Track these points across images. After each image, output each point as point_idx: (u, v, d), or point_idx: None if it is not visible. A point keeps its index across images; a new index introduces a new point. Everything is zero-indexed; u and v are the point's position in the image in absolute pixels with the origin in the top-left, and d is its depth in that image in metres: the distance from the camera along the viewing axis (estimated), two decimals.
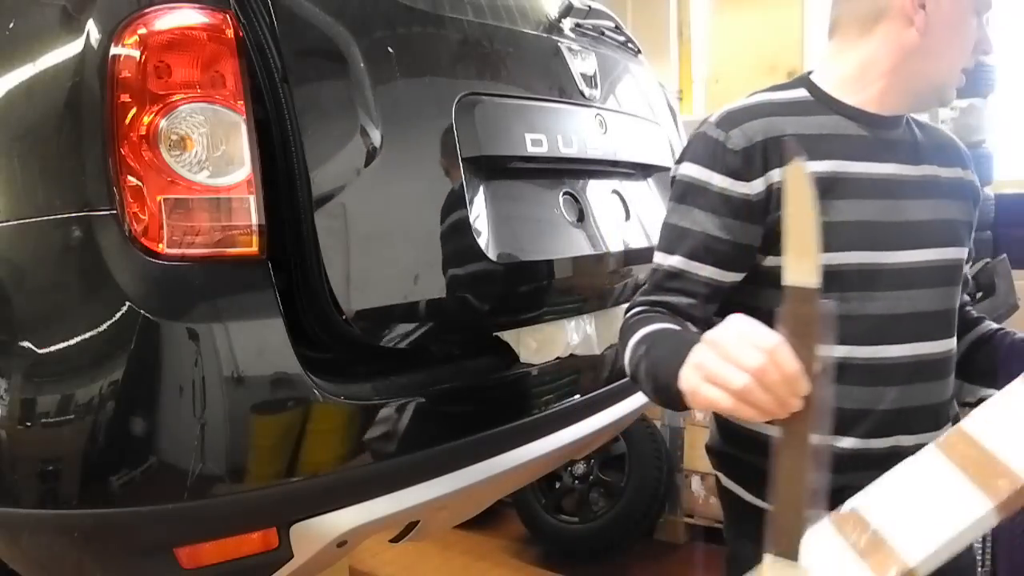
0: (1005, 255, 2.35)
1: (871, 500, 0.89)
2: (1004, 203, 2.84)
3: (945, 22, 1.10)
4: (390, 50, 1.29)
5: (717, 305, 1.14)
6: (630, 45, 2.03)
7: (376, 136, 1.23)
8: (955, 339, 1.18)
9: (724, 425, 1.25)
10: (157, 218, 1.08)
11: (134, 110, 1.07)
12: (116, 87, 1.07)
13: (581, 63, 1.67)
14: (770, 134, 1.10)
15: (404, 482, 1.29)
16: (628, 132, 1.80)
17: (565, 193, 1.59)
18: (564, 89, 1.62)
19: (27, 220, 1.16)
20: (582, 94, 1.65)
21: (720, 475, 1.28)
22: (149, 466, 1.10)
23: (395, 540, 1.61)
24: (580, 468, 3.13)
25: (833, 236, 1.06)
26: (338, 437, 1.23)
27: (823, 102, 1.15)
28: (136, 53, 1.08)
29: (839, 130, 1.12)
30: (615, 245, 1.65)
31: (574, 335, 1.59)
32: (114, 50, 1.08)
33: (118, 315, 1.08)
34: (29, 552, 1.24)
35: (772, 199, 1.09)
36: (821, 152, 1.10)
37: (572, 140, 1.57)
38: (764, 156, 1.09)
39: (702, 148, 1.15)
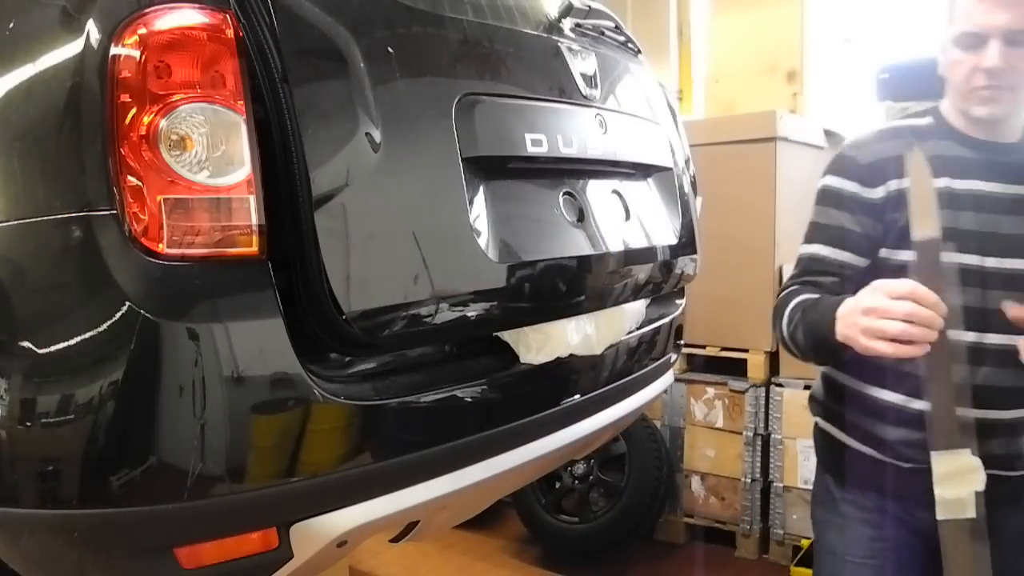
0: None
1: None
2: None
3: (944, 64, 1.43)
4: (390, 50, 1.29)
5: (855, 286, 1.34)
6: (630, 45, 2.02)
7: (376, 136, 1.23)
8: None
9: (829, 383, 1.58)
10: (157, 218, 1.08)
11: (134, 110, 1.07)
12: (116, 87, 1.07)
13: (581, 63, 1.67)
14: (891, 153, 1.40)
15: (404, 482, 1.29)
16: (628, 132, 1.80)
17: (565, 193, 1.59)
18: (564, 89, 1.62)
19: (27, 220, 1.16)
20: (582, 94, 1.65)
21: (818, 419, 1.63)
22: (149, 466, 1.10)
23: (395, 540, 1.61)
24: (580, 468, 3.13)
25: (949, 239, 1.31)
26: (338, 437, 1.23)
27: (942, 129, 1.45)
28: (136, 53, 1.08)
29: (949, 152, 1.40)
30: (615, 245, 1.65)
31: (574, 335, 1.59)
32: (114, 50, 1.08)
33: (118, 315, 1.08)
34: (29, 552, 1.24)
35: (889, 203, 1.39)
36: (936, 171, 1.33)
37: (572, 140, 1.57)
38: (885, 170, 1.40)
39: (837, 163, 1.49)
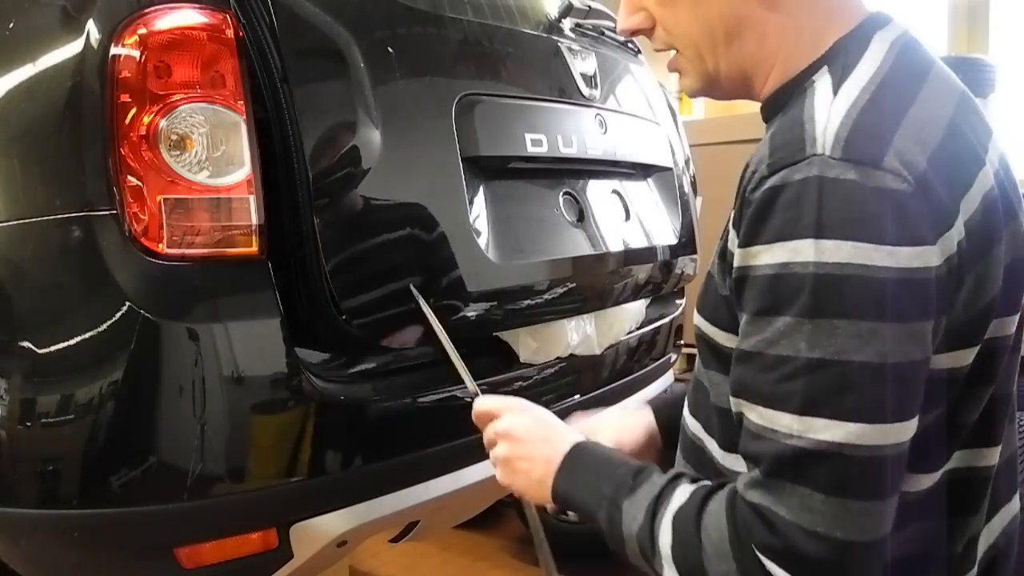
0: None
1: None
2: None
3: None
4: (390, 50, 1.29)
5: None
6: (630, 45, 2.02)
7: (376, 136, 1.23)
8: (707, 436, 0.89)
9: None
10: (157, 218, 1.08)
11: (134, 110, 1.07)
12: (116, 87, 1.07)
13: (581, 63, 1.67)
14: None
15: (404, 482, 1.29)
16: (628, 132, 1.80)
17: (565, 193, 1.59)
18: (564, 89, 1.62)
19: (27, 220, 1.16)
20: (582, 94, 1.65)
21: None
22: (149, 466, 1.10)
23: (395, 540, 1.61)
24: None
25: None
26: (338, 437, 1.23)
27: None
28: (136, 53, 1.08)
29: None
30: (615, 245, 1.65)
31: (574, 335, 1.59)
32: (114, 50, 1.08)
33: (118, 315, 1.08)
34: (29, 552, 1.24)
35: None
36: None
37: (572, 140, 1.57)
38: None
39: None
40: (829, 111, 0.72)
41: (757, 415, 0.71)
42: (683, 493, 0.78)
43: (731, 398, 0.76)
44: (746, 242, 0.72)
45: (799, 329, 0.68)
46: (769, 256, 0.69)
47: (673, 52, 0.86)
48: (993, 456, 0.82)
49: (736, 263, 0.73)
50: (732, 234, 0.76)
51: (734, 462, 0.82)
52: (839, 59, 0.77)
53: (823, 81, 0.76)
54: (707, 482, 0.80)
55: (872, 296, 0.66)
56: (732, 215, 0.78)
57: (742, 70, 0.82)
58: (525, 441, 0.93)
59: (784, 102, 0.80)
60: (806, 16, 0.80)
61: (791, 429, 0.68)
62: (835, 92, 0.74)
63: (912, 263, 0.67)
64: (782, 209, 0.69)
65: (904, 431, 0.69)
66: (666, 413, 1.10)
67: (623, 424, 1.12)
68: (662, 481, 0.81)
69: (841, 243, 0.66)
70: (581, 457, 0.89)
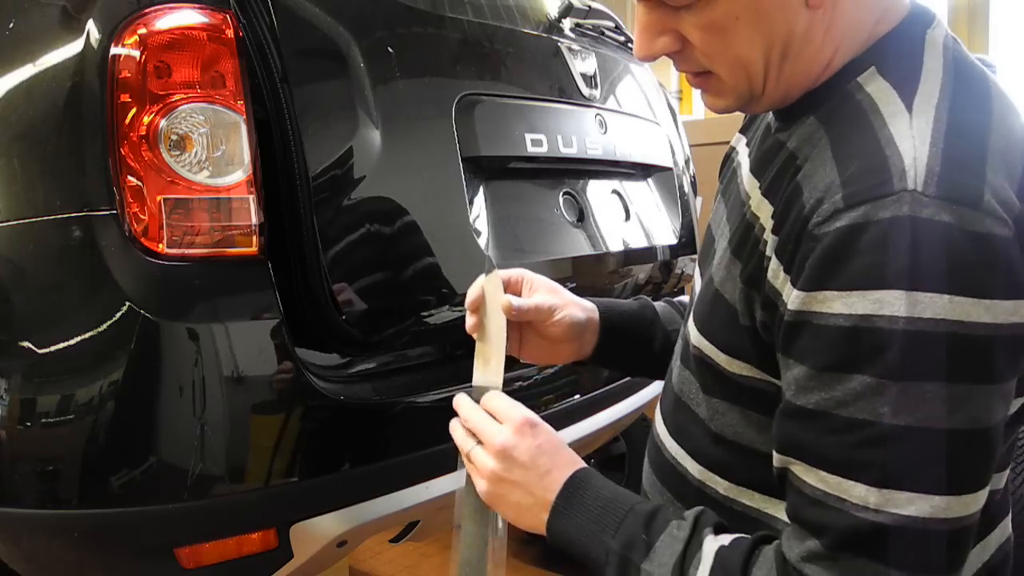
0: None
1: None
2: None
3: None
4: (390, 50, 1.29)
5: None
6: (630, 45, 2.03)
7: (376, 136, 1.23)
8: (709, 472, 0.81)
9: None
10: (157, 218, 1.08)
11: (134, 110, 1.07)
12: (116, 87, 1.08)
13: (581, 63, 1.67)
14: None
15: (404, 482, 1.29)
16: (628, 132, 1.80)
17: (565, 193, 1.59)
18: (564, 89, 1.62)
19: (27, 220, 1.16)
20: (582, 94, 1.65)
21: None
22: (149, 466, 1.10)
23: (395, 540, 1.61)
24: None
25: None
26: (338, 437, 1.23)
27: None
28: (136, 53, 1.08)
29: (763, 117, 0.87)
30: (615, 245, 1.65)
31: None
32: (114, 50, 1.08)
33: (118, 315, 1.08)
34: (29, 552, 1.24)
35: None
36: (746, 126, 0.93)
37: (572, 140, 1.57)
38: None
39: None
40: (912, 136, 0.63)
41: (818, 480, 0.64)
42: (715, 555, 0.70)
43: (776, 453, 0.69)
44: (813, 285, 0.63)
45: (881, 392, 0.60)
46: (844, 305, 0.61)
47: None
48: (1001, 480, 0.77)
49: (793, 306, 0.65)
50: (775, 264, 0.68)
51: (739, 494, 0.78)
52: (890, 61, 0.70)
53: (880, 89, 0.68)
54: (739, 536, 0.72)
55: (969, 357, 0.60)
56: (775, 243, 0.68)
57: (788, 83, 0.73)
58: (528, 467, 0.80)
59: (819, 103, 0.72)
60: (852, 14, 0.71)
61: (866, 501, 0.61)
62: (909, 110, 0.65)
63: (1010, 318, 0.60)
64: (865, 252, 0.60)
65: (983, 496, 0.63)
66: (607, 317, 1.03)
67: (573, 299, 1.00)
68: (683, 533, 0.72)
69: (936, 296, 0.59)
70: (578, 494, 0.79)
